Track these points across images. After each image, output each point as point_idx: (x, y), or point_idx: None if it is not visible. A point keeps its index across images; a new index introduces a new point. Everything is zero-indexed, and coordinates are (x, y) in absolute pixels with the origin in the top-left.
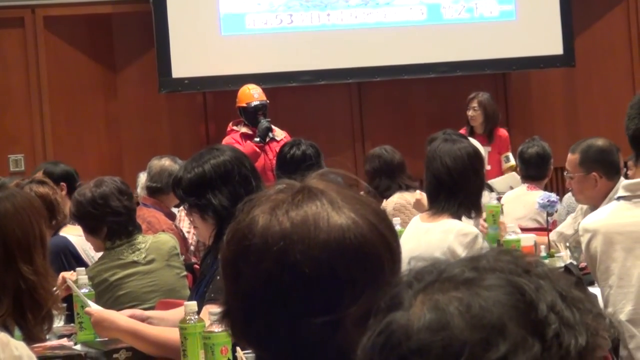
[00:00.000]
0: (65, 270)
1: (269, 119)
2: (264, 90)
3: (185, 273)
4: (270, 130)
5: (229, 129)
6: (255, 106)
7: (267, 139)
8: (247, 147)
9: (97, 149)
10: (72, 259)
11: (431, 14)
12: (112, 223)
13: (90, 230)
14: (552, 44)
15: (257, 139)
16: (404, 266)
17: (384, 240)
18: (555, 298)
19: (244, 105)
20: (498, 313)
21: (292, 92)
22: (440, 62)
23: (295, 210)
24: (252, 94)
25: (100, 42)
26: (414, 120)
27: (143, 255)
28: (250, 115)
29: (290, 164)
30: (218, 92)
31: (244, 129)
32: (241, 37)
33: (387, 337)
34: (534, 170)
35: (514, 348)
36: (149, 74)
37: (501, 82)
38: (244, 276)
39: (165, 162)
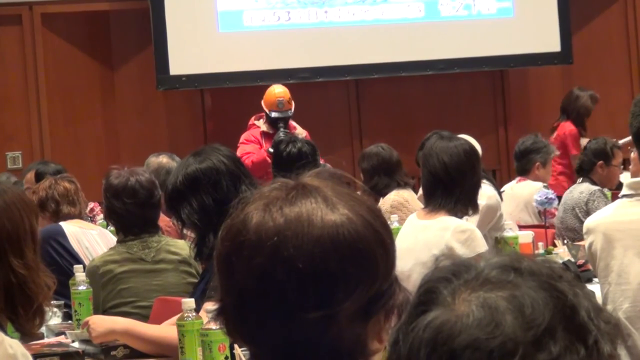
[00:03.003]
0: (54, 259)
1: (287, 131)
2: (262, 87)
3: (194, 280)
4: None
5: (250, 122)
6: (276, 118)
7: None
8: (259, 154)
9: (95, 146)
10: (60, 248)
11: (429, 11)
12: (111, 218)
13: None
14: (549, 41)
15: (271, 150)
16: (417, 264)
17: (378, 237)
18: (589, 305)
19: (267, 110)
20: (549, 316)
21: (289, 89)
22: (438, 59)
23: (289, 207)
24: (276, 104)
25: (98, 39)
26: (412, 117)
27: (152, 255)
28: (271, 120)
29: (287, 162)
30: (216, 89)
31: (264, 127)
32: (239, 34)
33: (435, 332)
34: (516, 164)
35: (564, 351)
36: (147, 71)
37: (499, 79)
38: (237, 272)
39: (163, 160)
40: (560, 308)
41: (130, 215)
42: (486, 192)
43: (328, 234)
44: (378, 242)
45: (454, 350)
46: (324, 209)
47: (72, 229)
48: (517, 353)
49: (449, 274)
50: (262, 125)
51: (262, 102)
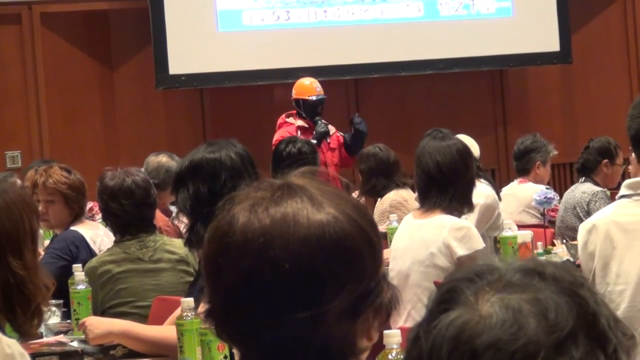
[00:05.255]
0: (76, 257)
1: (326, 122)
2: (261, 87)
3: (192, 279)
4: (328, 134)
5: (281, 120)
6: (317, 100)
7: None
8: None
9: (94, 146)
10: (84, 249)
11: (428, 10)
12: (109, 219)
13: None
14: (549, 40)
15: (314, 142)
16: (415, 262)
17: (364, 234)
18: (609, 314)
19: (305, 98)
20: (572, 321)
21: (289, 88)
22: (437, 58)
23: (275, 207)
24: (315, 88)
25: (97, 38)
26: (412, 117)
27: (150, 254)
28: (310, 108)
29: (286, 161)
30: (215, 88)
31: (300, 122)
32: (238, 33)
33: (458, 330)
34: (516, 164)
35: (585, 357)
36: (146, 71)
37: (498, 78)
38: (225, 274)
39: (163, 159)
40: (583, 314)
41: (128, 215)
42: (484, 192)
43: (314, 234)
44: (364, 240)
45: (476, 350)
46: (310, 209)
47: (87, 232)
48: (539, 356)
49: (472, 274)
50: (297, 121)
51: (296, 95)
